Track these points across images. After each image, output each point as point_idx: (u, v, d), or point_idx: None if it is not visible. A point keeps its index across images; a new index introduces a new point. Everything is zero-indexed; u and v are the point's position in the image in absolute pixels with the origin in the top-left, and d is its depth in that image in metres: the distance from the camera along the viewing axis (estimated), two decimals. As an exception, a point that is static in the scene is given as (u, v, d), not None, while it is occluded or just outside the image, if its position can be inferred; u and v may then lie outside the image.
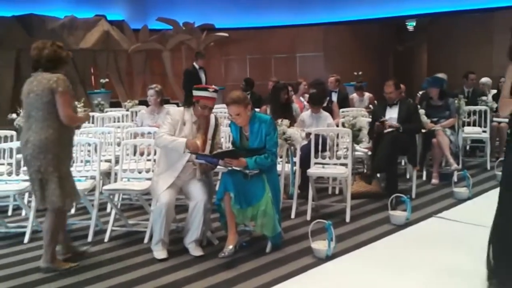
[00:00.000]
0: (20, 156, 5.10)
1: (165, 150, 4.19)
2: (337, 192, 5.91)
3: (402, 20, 15.45)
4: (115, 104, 12.09)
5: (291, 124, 5.22)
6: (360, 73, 13.40)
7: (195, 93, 4.17)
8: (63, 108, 3.62)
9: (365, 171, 6.39)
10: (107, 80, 13.65)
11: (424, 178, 6.43)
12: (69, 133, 3.82)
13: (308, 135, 5.44)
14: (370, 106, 8.82)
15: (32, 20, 13.33)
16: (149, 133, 5.44)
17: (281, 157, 4.91)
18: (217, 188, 4.76)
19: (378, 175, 5.67)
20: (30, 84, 3.71)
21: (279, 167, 4.74)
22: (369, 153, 5.90)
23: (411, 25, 15.50)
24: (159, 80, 14.28)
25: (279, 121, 4.92)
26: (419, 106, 6.28)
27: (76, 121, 3.89)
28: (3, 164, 5.05)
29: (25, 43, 13.15)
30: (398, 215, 4.73)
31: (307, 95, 7.49)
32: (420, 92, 8.71)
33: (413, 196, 5.57)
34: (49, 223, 3.76)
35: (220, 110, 7.54)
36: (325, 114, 6.06)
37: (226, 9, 15.44)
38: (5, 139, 5.46)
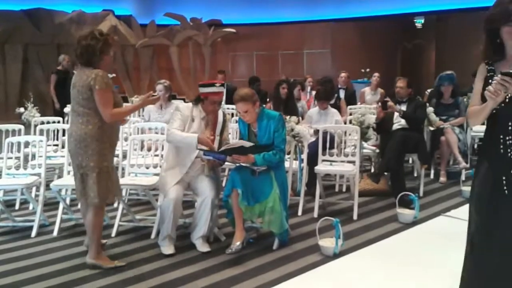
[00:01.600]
0: (27, 150, 5.14)
1: (174, 146, 4.17)
2: (344, 189, 5.89)
3: (410, 17, 15.35)
4: (122, 99, 12.09)
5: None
6: (367, 70, 13.34)
7: (202, 90, 4.15)
8: (102, 107, 3.56)
9: (372, 169, 6.37)
10: (114, 75, 13.65)
11: (432, 176, 6.39)
12: (111, 129, 3.71)
13: (316, 132, 5.42)
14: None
15: (40, 15, 13.38)
16: (156, 128, 5.43)
17: (288, 153, 4.89)
18: (224, 184, 4.77)
19: (386, 173, 5.64)
20: (75, 78, 3.68)
21: (286, 164, 4.72)
22: (377, 150, 5.87)
23: (419, 22, 15.38)
24: (166, 75, 14.27)
25: (287, 117, 4.90)
26: (427, 104, 6.24)
27: (120, 116, 3.76)
28: (11, 158, 5.06)
29: (32, 38, 13.26)
30: (406, 213, 4.70)
31: (313, 92, 7.49)
32: (429, 90, 8.65)
33: (421, 194, 5.54)
34: (90, 218, 3.73)
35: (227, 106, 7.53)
36: (333, 110, 6.02)
37: (233, 5, 15.40)
38: (13, 133, 5.46)
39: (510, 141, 2.21)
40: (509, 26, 2.20)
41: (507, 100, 2.20)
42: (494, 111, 2.21)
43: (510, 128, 2.22)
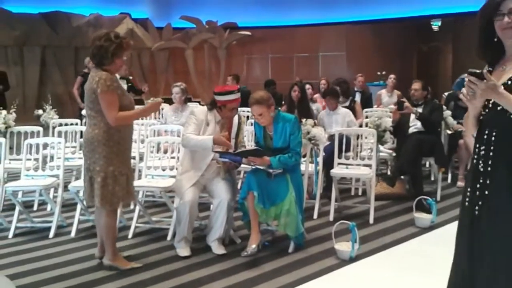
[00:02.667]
0: (46, 152, 5.21)
1: (190, 150, 4.19)
2: (360, 193, 5.86)
3: (426, 20, 15.23)
4: (138, 102, 12.17)
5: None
6: (383, 73, 13.26)
7: (219, 98, 4.13)
8: (105, 110, 3.53)
9: (388, 172, 6.33)
10: (130, 77, 13.77)
11: (449, 180, 6.33)
12: (118, 133, 3.63)
13: (330, 137, 5.38)
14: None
15: (58, 17, 13.53)
16: (172, 130, 5.47)
17: (304, 156, 4.88)
18: (239, 187, 4.77)
19: (402, 177, 5.60)
20: (87, 80, 3.68)
21: (302, 167, 4.71)
22: (393, 154, 5.84)
23: (436, 24, 15.24)
24: (182, 78, 14.29)
25: (304, 120, 4.89)
26: (445, 107, 6.19)
27: (126, 120, 3.67)
28: (30, 159, 5.12)
29: (50, 40, 13.42)
30: (423, 217, 4.66)
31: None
32: (446, 93, 8.57)
33: (438, 198, 5.49)
34: (102, 221, 3.74)
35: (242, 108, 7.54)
36: (344, 110, 5.96)
37: (249, 8, 15.42)
38: (32, 134, 5.53)
39: (482, 152, 1.98)
40: (499, 21, 1.96)
41: (490, 105, 1.97)
42: (480, 117, 2.01)
43: (485, 136, 1.98)
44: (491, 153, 1.96)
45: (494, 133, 1.96)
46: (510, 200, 1.93)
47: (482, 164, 1.99)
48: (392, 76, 8.68)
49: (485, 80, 1.84)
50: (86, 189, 3.74)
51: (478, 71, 1.86)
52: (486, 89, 1.85)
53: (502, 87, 1.89)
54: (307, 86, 7.49)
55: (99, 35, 3.63)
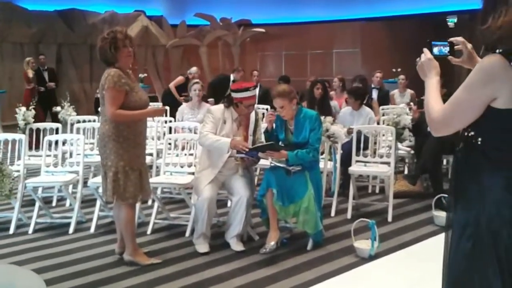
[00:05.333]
0: (65, 148, 5.25)
1: (207, 149, 4.20)
2: (377, 191, 5.82)
3: (442, 16, 15.09)
4: (152, 99, 12.23)
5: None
6: (399, 70, 13.16)
7: (236, 95, 4.13)
8: (106, 105, 3.60)
9: (406, 170, 6.28)
10: (145, 75, 13.85)
11: (468, 178, 6.25)
12: (128, 129, 3.64)
13: (349, 131, 5.36)
14: (411, 103, 8.64)
15: (74, 15, 13.66)
16: (189, 127, 5.48)
17: (322, 153, 4.86)
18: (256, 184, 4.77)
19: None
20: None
21: (321, 164, 4.70)
22: (412, 152, 5.79)
23: (452, 21, 15.11)
24: (196, 75, 14.38)
25: (323, 117, 4.88)
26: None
27: (124, 118, 3.62)
28: (49, 155, 5.17)
29: (66, 38, 13.54)
30: (442, 215, 4.61)
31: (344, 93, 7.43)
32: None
33: (457, 196, 5.43)
34: (120, 216, 3.79)
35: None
36: (368, 110, 5.91)
37: (263, 5, 15.42)
38: (51, 131, 5.58)
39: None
40: None
41: None
42: None
43: None
44: None
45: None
46: None
47: None
48: (401, 76, 8.61)
49: (428, 57, 1.87)
50: (103, 184, 3.81)
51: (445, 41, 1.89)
52: (420, 64, 1.92)
53: (437, 76, 1.90)
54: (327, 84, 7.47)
55: (99, 39, 3.70)
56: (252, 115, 4.31)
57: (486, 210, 1.73)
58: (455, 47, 1.97)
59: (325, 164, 4.89)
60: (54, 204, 5.52)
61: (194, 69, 9.08)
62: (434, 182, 5.29)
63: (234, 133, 4.17)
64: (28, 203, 5.26)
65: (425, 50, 1.92)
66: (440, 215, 4.61)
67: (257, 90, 4.25)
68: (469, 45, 1.99)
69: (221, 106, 4.29)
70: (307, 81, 9.16)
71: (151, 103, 8.77)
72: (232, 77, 9.32)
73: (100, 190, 4.92)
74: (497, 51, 1.70)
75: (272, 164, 4.09)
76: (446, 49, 1.96)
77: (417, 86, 8.65)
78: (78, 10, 13.70)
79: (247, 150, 4.00)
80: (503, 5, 1.67)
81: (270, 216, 4.01)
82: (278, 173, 4.01)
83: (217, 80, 9.03)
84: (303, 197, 3.95)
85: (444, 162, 6.57)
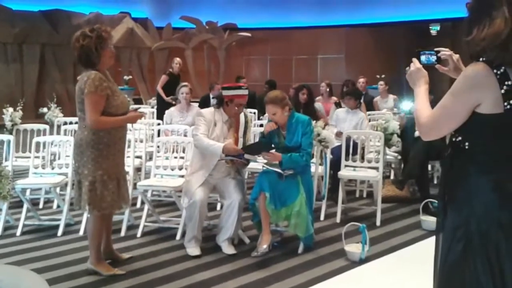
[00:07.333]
0: (53, 150, 5.20)
1: (199, 151, 4.20)
2: (364, 195, 5.89)
3: (425, 24, 15.31)
4: (137, 101, 12.19)
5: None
6: (383, 76, 13.32)
7: (227, 93, 4.17)
8: (87, 112, 3.39)
9: (392, 175, 6.36)
10: (130, 77, 13.77)
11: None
12: (108, 135, 3.49)
13: (339, 133, 5.43)
14: (395, 109, 8.76)
15: (58, 15, 13.53)
16: (178, 130, 5.48)
17: (313, 157, 4.90)
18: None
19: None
20: (78, 81, 3.55)
21: (312, 169, 4.74)
22: (399, 157, 5.87)
23: (435, 29, 15.33)
24: (182, 78, 14.35)
25: (314, 122, 4.93)
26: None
27: (105, 125, 3.46)
28: (38, 157, 5.11)
29: (50, 38, 13.39)
30: (430, 220, 4.69)
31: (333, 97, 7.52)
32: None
33: (444, 201, 5.52)
34: (89, 225, 3.68)
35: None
36: (362, 115, 6.02)
37: (249, 9, 15.46)
38: (38, 132, 5.52)
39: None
40: None
41: None
42: None
43: None
44: None
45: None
46: None
47: None
48: (381, 82, 8.88)
49: (417, 66, 1.97)
50: (75, 193, 3.61)
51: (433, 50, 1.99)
52: (409, 73, 2.01)
53: (426, 84, 1.99)
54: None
55: (76, 37, 3.46)
56: (242, 117, 4.34)
57: (475, 212, 1.81)
58: (439, 54, 2.06)
59: (316, 169, 4.93)
60: (41, 206, 5.45)
61: (176, 59, 9.09)
62: (421, 187, 5.38)
63: (224, 135, 4.19)
64: (15, 205, 5.19)
65: (414, 59, 2.01)
66: (428, 220, 4.69)
67: (247, 91, 4.27)
68: (456, 56, 2.09)
69: (211, 108, 4.32)
70: (291, 88, 9.20)
71: (135, 105, 8.83)
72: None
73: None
74: (481, 59, 1.80)
75: (264, 168, 4.12)
76: (433, 58, 2.06)
77: (399, 92, 8.83)
78: (63, 11, 13.56)
79: (241, 154, 4.02)
80: (487, 18, 1.77)
81: (262, 220, 4.03)
82: (270, 177, 4.03)
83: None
84: (295, 201, 3.99)
85: (430, 167, 6.70)
